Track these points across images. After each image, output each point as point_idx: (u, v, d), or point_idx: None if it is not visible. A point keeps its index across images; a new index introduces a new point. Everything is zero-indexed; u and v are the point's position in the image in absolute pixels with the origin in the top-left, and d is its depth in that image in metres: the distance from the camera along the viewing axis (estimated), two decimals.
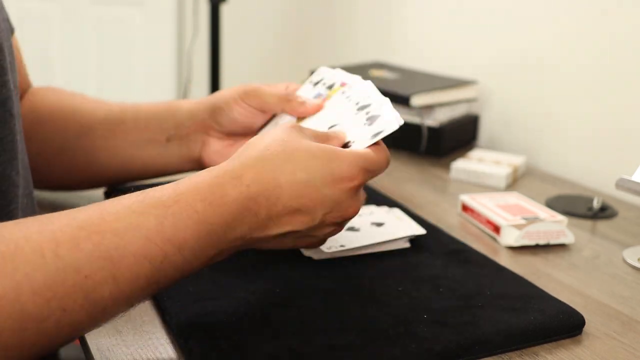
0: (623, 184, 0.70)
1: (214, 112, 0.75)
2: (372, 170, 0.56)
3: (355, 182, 0.54)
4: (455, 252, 0.69)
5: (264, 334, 0.53)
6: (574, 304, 0.61)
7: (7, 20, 0.67)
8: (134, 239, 0.46)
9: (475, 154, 1.05)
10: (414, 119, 1.09)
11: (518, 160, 1.02)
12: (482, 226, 0.80)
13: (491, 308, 0.58)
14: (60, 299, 0.42)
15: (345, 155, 0.54)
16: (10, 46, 0.65)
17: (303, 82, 0.76)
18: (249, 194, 0.51)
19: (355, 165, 0.54)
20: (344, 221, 0.56)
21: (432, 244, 0.71)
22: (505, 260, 0.72)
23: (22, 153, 0.67)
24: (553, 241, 0.76)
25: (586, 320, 0.58)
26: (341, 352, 0.50)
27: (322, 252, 0.65)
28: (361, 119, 0.61)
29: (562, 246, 0.77)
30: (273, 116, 0.75)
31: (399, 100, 1.07)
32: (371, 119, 0.60)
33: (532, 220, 0.76)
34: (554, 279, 0.69)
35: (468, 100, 1.17)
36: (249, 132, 0.75)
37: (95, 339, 0.53)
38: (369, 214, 0.74)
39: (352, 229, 0.69)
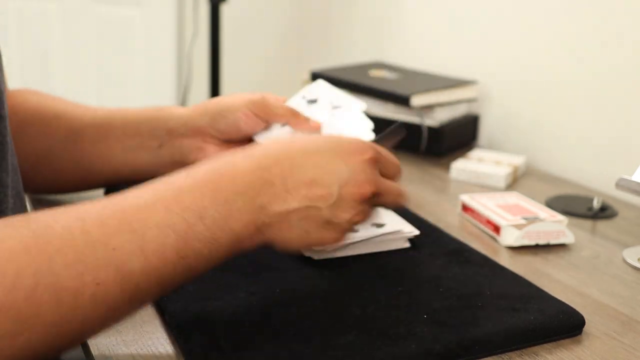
0: (623, 184, 0.70)
1: (214, 118, 0.74)
2: (384, 155, 0.58)
3: (366, 156, 0.56)
4: (455, 252, 0.69)
5: (264, 334, 0.53)
6: (574, 304, 0.61)
7: None
8: (155, 211, 0.47)
9: (475, 154, 1.05)
10: (414, 119, 1.09)
11: (518, 160, 1.02)
12: (482, 226, 0.80)
13: (491, 308, 0.58)
14: (92, 271, 0.43)
15: (351, 137, 0.58)
16: None
17: (302, 86, 0.77)
18: (260, 165, 0.52)
19: (364, 142, 0.57)
20: (363, 201, 0.56)
21: (432, 244, 0.71)
22: (505, 260, 0.72)
23: (12, 154, 0.66)
24: (553, 241, 0.76)
25: (586, 320, 0.58)
26: (341, 352, 0.50)
27: (322, 251, 0.65)
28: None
29: (562, 246, 0.77)
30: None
31: (399, 100, 1.07)
32: None
33: (532, 220, 0.76)
34: (554, 279, 0.69)
35: (468, 100, 1.17)
36: (245, 140, 0.75)
37: (95, 339, 0.53)
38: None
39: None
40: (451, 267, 0.66)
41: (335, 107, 0.72)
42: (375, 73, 1.22)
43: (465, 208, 0.84)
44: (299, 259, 0.65)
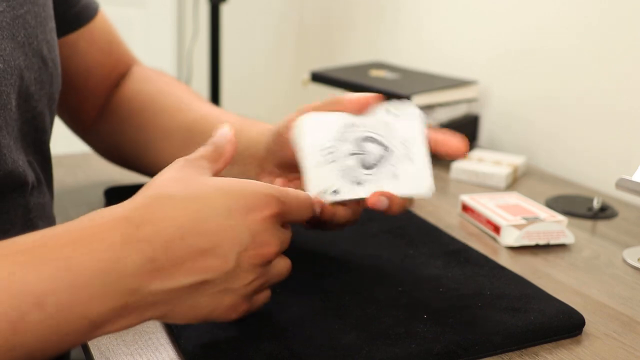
0: (623, 184, 0.70)
1: (271, 140, 0.64)
2: (289, 203, 0.48)
3: (267, 212, 0.46)
4: (455, 252, 0.69)
5: (264, 334, 0.53)
6: (574, 304, 0.61)
7: (53, 29, 0.67)
8: None
9: (475, 154, 1.05)
10: None
11: (518, 160, 1.03)
12: (482, 226, 0.80)
13: (491, 308, 0.58)
14: None
15: (251, 184, 0.47)
16: (55, 57, 0.65)
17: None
18: (139, 236, 0.42)
19: (265, 194, 0.47)
20: (266, 264, 0.47)
21: (432, 244, 0.71)
22: (505, 260, 0.72)
23: (47, 160, 0.68)
24: (553, 241, 0.76)
25: (586, 320, 0.58)
26: (341, 352, 0.50)
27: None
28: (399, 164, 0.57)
29: (562, 246, 0.77)
30: None
31: (399, 100, 1.07)
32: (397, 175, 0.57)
33: (532, 220, 0.76)
34: (554, 279, 0.69)
35: (468, 100, 1.17)
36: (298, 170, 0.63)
37: (96, 339, 0.53)
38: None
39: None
40: (451, 267, 0.66)
41: (405, 142, 0.59)
42: (375, 73, 1.22)
43: (465, 208, 0.84)
44: (299, 260, 0.65)
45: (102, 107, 0.82)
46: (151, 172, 0.78)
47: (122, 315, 0.42)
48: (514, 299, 0.60)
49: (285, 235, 0.48)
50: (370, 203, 0.56)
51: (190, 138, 0.74)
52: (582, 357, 0.55)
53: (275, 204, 0.47)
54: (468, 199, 0.84)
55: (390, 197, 0.56)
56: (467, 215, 0.84)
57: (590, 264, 0.73)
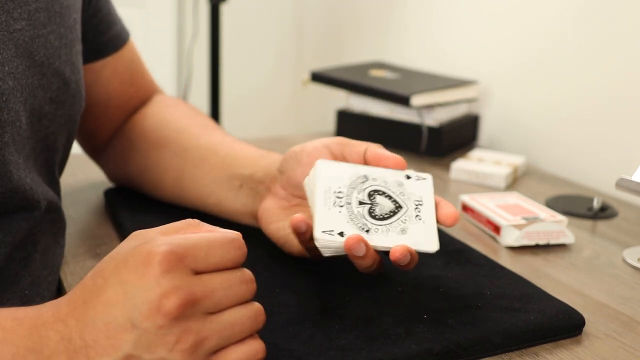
0: (623, 184, 0.70)
1: (285, 158, 0.66)
2: (191, 248, 0.43)
3: (155, 260, 0.41)
4: (455, 252, 0.69)
5: (264, 334, 0.52)
6: (574, 304, 0.61)
7: (80, 52, 0.67)
8: None
9: (475, 154, 1.05)
10: (414, 119, 1.09)
11: (518, 160, 1.03)
12: (482, 226, 0.80)
13: (491, 308, 0.58)
14: None
15: (143, 244, 0.43)
16: (79, 80, 0.66)
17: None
18: (60, 314, 0.42)
19: (150, 244, 0.42)
20: (177, 317, 0.41)
21: None
22: (505, 260, 0.72)
23: (56, 181, 0.68)
24: (553, 241, 0.76)
25: (586, 320, 0.58)
26: (341, 352, 0.50)
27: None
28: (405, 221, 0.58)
29: (562, 246, 0.77)
30: None
31: (399, 100, 1.07)
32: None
33: (532, 220, 0.76)
34: (554, 279, 0.69)
35: (468, 100, 1.17)
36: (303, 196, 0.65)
37: None
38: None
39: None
40: (451, 267, 0.66)
41: (416, 203, 0.59)
42: (375, 73, 1.22)
43: (465, 208, 0.84)
44: (299, 259, 0.65)
45: (116, 131, 0.83)
46: (154, 189, 0.79)
47: None
48: (514, 299, 0.60)
49: (201, 283, 0.42)
50: (394, 258, 0.55)
51: (202, 158, 0.74)
52: (582, 357, 0.55)
53: (163, 250, 0.41)
54: (468, 199, 0.84)
55: (412, 253, 0.55)
56: (467, 215, 0.84)
57: (590, 264, 0.73)
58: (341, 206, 0.58)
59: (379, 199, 0.59)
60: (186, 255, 0.42)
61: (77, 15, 0.66)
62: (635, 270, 0.72)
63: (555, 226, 0.76)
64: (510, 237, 0.75)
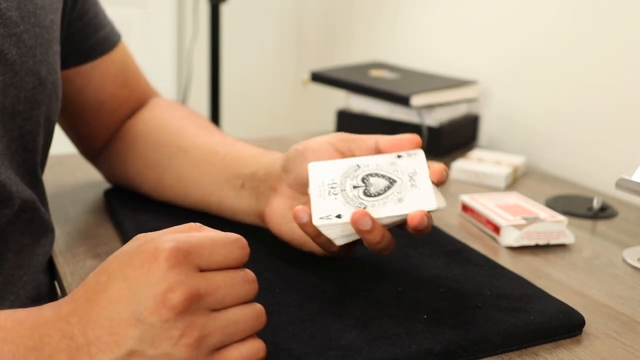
0: (623, 184, 0.70)
1: (288, 157, 0.65)
2: (195, 245, 0.43)
3: (161, 257, 0.42)
4: (455, 252, 0.69)
5: (264, 334, 0.52)
6: (574, 304, 0.61)
7: (57, 52, 0.68)
8: None
9: (475, 154, 1.05)
10: (414, 119, 1.09)
11: (518, 160, 1.03)
12: (482, 226, 0.80)
13: (491, 308, 0.58)
14: None
15: (147, 242, 0.44)
16: (56, 80, 0.66)
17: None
18: (61, 313, 0.43)
19: (155, 241, 0.43)
20: (182, 311, 0.41)
21: (432, 244, 0.71)
22: (505, 260, 0.72)
23: (38, 181, 0.68)
24: (553, 241, 0.76)
25: (586, 320, 0.58)
26: (341, 352, 0.50)
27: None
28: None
29: (562, 246, 0.77)
30: None
31: (399, 100, 1.07)
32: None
33: (532, 220, 0.76)
34: (554, 279, 0.69)
35: (468, 100, 1.17)
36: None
37: None
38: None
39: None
40: (451, 267, 0.66)
41: (409, 175, 0.60)
42: (375, 73, 1.22)
43: (465, 208, 0.84)
44: (299, 260, 0.65)
45: (112, 134, 0.83)
46: (153, 190, 0.79)
47: None
48: (514, 299, 0.60)
49: (205, 279, 0.43)
50: (412, 224, 0.55)
51: (201, 158, 0.74)
52: (582, 357, 0.55)
53: (168, 246, 0.42)
54: (468, 199, 0.84)
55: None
56: (467, 215, 0.84)
57: (590, 263, 0.73)
58: (336, 194, 0.59)
59: (372, 180, 0.60)
60: (191, 252, 0.43)
61: (54, 17, 0.66)
62: (635, 270, 0.72)
63: (555, 226, 0.76)
64: (510, 237, 0.75)
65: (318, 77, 1.20)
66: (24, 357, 0.41)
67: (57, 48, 0.67)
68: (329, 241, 0.59)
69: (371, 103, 1.14)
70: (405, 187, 0.59)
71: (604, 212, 0.88)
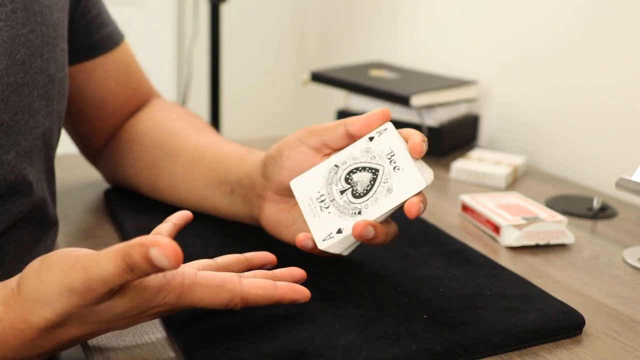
0: (623, 184, 0.70)
1: (265, 165, 0.64)
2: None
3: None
4: (455, 252, 0.69)
5: (264, 334, 0.53)
6: (574, 304, 0.61)
7: (65, 50, 0.68)
8: None
9: (475, 154, 1.05)
10: (414, 119, 1.09)
11: (518, 160, 1.03)
12: (482, 226, 0.80)
13: (491, 308, 0.58)
14: None
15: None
16: (64, 77, 0.67)
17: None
18: (9, 282, 0.47)
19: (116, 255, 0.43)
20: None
21: (432, 244, 0.71)
22: (505, 260, 0.72)
23: (53, 177, 0.70)
24: (553, 241, 0.76)
25: (586, 320, 0.58)
26: (341, 352, 0.50)
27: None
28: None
29: (562, 246, 0.77)
30: None
31: (399, 100, 1.07)
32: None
33: (532, 220, 0.76)
34: (554, 279, 0.69)
35: (468, 100, 1.17)
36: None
37: (95, 339, 0.53)
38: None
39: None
40: (451, 267, 0.66)
41: (388, 156, 0.59)
42: (375, 73, 1.22)
43: (465, 208, 0.84)
44: (299, 260, 0.65)
45: (112, 134, 0.83)
46: (151, 191, 0.79)
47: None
48: (514, 299, 0.60)
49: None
50: (411, 215, 0.55)
51: (193, 161, 0.74)
52: (582, 357, 0.55)
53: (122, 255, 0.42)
54: (468, 199, 0.84)
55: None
56: (467, 215, 0.84)
57: (590, 263, 0.73)
58: (327, 207, 0.59)
59: (356, 177, 0.59)
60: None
61: (61, 15, 0.67)
62: (635, 270, 0.72)
63: (555, 226, 0.76)
64: (510, 237, 0.75)
65: (318, 77, 1.20)
66: None
67: (63, 45, 0.67)
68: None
69: (371, 103, 1.14)
70: (389, 173, 0.58)
71: (604, 212, 0.88)
